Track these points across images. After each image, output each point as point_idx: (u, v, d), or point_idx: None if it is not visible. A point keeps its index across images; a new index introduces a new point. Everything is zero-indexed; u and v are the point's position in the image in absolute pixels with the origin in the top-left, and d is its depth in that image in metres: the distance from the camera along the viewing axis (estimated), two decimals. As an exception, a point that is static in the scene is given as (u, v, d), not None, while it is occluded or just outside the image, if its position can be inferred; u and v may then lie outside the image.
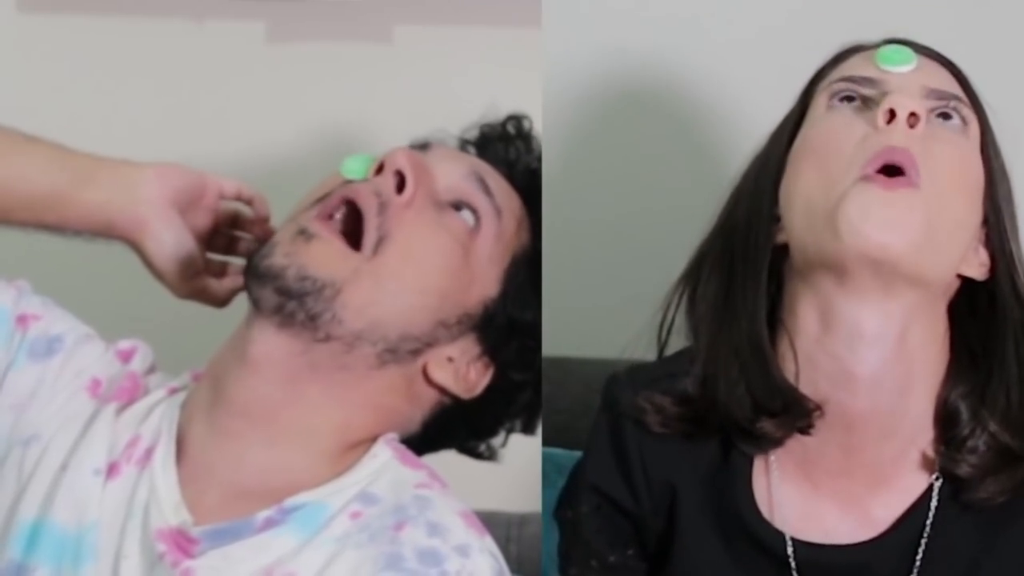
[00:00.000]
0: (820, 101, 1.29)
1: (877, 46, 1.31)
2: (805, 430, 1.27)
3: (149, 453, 1.29)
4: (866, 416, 1.26)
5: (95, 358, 1.35)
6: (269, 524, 1.24)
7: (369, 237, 1.28)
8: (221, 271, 1.41)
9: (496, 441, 1.39)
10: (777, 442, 1.29)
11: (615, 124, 1.86)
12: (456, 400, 1.33)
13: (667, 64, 1.83)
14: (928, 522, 1.27)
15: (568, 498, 1.38)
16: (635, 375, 1.35)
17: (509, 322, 1.33)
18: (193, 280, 1.37)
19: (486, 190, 1.33)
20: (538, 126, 1.45)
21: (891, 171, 1.22)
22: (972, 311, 1.29)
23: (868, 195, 1.21)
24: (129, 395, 1.34)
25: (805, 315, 1.26)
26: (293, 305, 1.25)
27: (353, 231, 1.29)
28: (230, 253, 1.42)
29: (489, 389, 1.33)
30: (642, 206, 1.85)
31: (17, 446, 1.31)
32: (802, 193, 1.26)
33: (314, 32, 1.82)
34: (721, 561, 1.31)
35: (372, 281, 1.27)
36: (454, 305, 1.30)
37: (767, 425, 1.27)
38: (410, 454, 1.30)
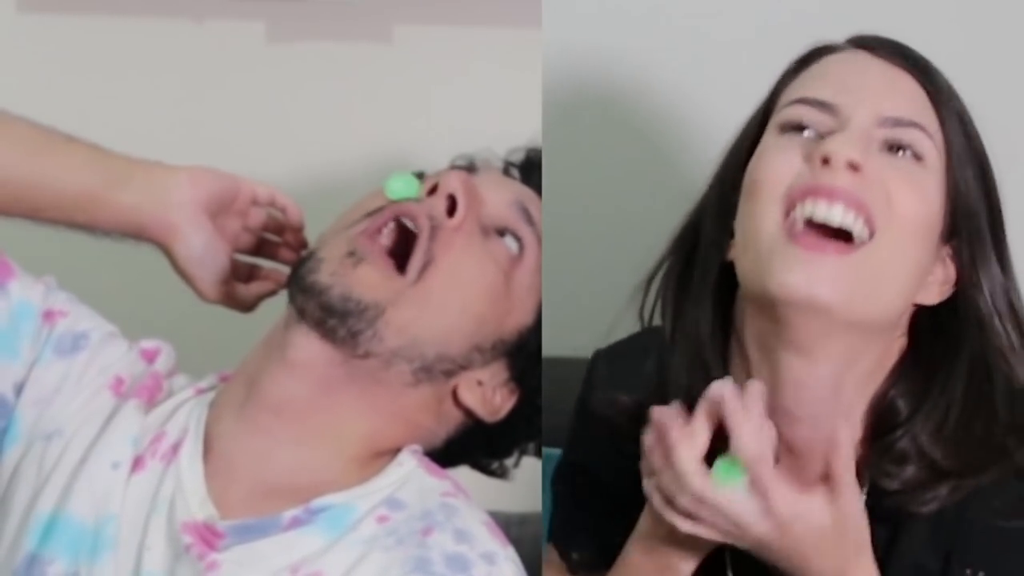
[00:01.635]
0: (773, 126, 1.27)
1: (841, 49, 1.29)
2: None
3: (175, 449, 1.31)
4: (808, 442, 1.23)
5: (119, 356, 1.37)
6: (296, 523, 1.26)
7: (415, 261, 1.29)
8: (249, 275, 1.42)
9: (509, 461, 1.41)
10: None
11: (616, 124, 1.86)
12: (480, 421, 1.34)
13: (668, 64, 1.83)
14: None
15: (558, 471, 1.41)
16: (613, 351, 1.40)
17: (540, 350, 1.36)
18: (221, 284, 1.38)
19: (529, 219, 1.35)
20: (537, 126, 1.45)
21: (827, 225, 1.19)
22: (934, 322, 1.27)
23: (791, 256, 1.19)
24: (149, 394, 1.35)
25: (749, 339, 1.26)
26: (335, 322, 1.28)
27: (399, 249, 1.31)
28: (260, 256, 1.43)
29: (512, 413, 1.35)
30: (642, 206, 1.85)
31: (39, 441, 1.33)
32: (742, 228, 1.25)
33: (314, 32, 1.82)
34: None
35: (415, 304, 1.29)
36: (491, 331, 1.32)
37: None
38: (434, 465, 1.33)
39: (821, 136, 1.23)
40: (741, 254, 1.24)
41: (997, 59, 1.75)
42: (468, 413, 1.34)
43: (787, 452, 1.25)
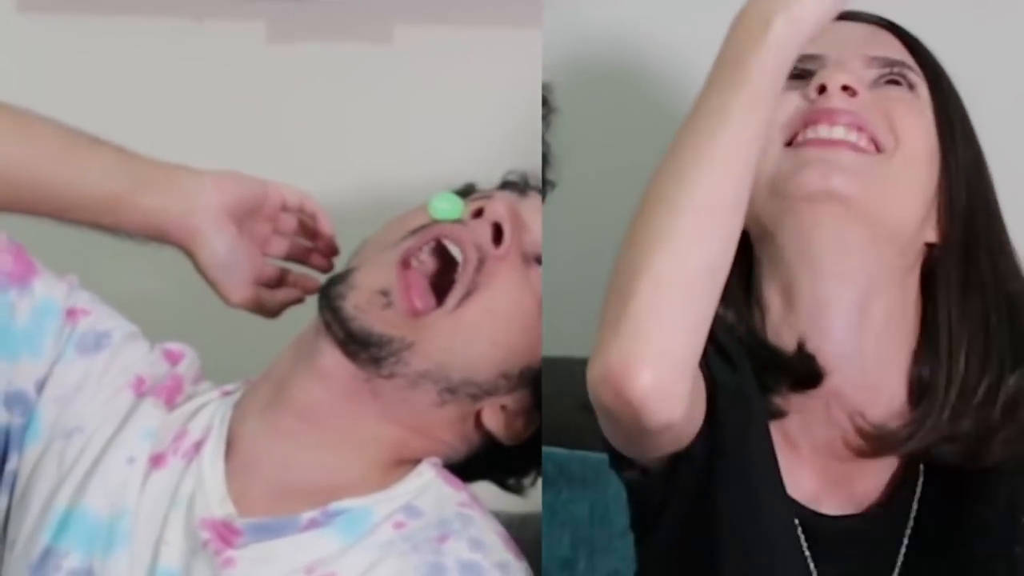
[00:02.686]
0: None
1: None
2: (816, 381, 1.25)
3: (197, 447, 1.32)
4: (838, 393, 1.25)
5: (140, 356, 1.37)
6: (313, 524, 1.27)
7: (457, 292, 1.30)
8: (277, 282, 1.42)
9: (526, 480, 1.42)
10: (780, 414, 1.27)
11: (616, 123, 1.86)
12: (498, 444, 1.35)
13: (669, 63, 1.83)
14: (916, 500, 1.27)
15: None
16: None
17: None
18: (245, 289, 1.38)
19: None
20: (538, 126, 1.45)
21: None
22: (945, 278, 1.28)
23: (804, 156, 1.23)
24: (168, 394, 1.36)
25: (770, 295, 1.27)
26: (356, 347, 1.29)
27: (439, 270, 1.32)
28: (292, 260, 1.43)
29: (532, 437, 1.36)
30: (642, 206, 1.85)
31: (59, 438, 1.33)
32: None
33: (314, 32, 1.82)
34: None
35: (449, 330, 1.30)
36: (519, 359, 1.33)
37: (778, 384, 1.26)
38: (452, 476, 1.34)
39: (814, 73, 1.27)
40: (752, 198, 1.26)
41: (1001, 59, 1.75)
42: (488, 436, 1.35)
43: (822, 406, 1.26)
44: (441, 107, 1.81)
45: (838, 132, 1.23)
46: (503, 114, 1.77)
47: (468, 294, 1.30)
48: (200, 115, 1.82)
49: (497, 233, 1.32)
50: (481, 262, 1.31)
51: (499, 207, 1.33)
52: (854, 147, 1.23)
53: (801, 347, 1.26)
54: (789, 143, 1.25)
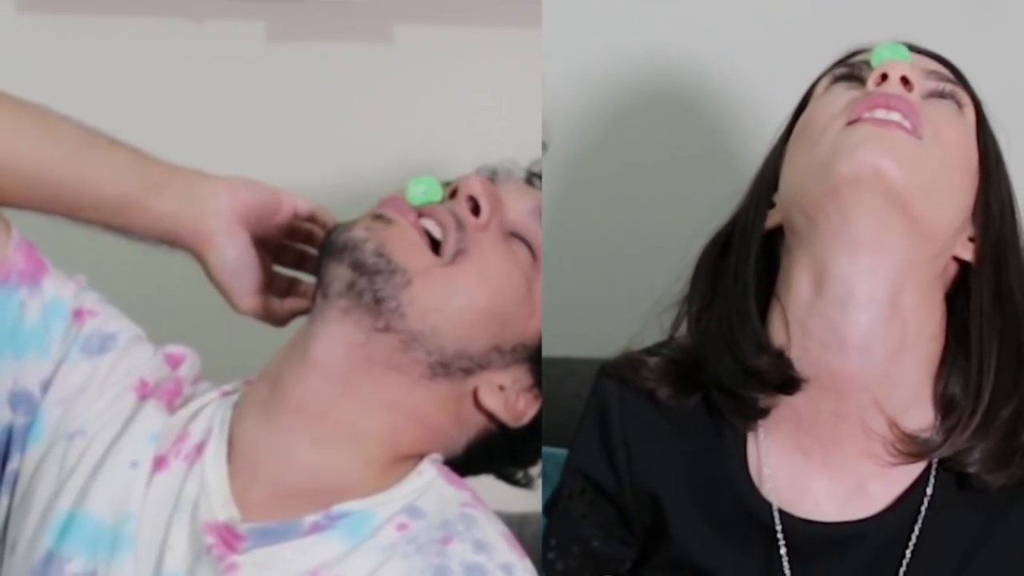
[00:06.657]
0: (819, 87, 1.33)
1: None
2: (790, 390, 1.27)
3: (199, 449, 1.32)
4: (856, 380, 1.26)
5: (144, 360, 1.37)
6: (316, 528, 1.26)
7: (448, 247, 1.30)
8: (286, 290, 1.42)
9: (534, 471, 1.41)
10: (763, 412, 1.29)
11: (615, 124, 1.86)
12: (502, 428, 1.35)
13: (668, 65, 1.83)
14: (925, 503, 1.28)
15: (558, 487, 1.40)
16: (625, 355, 1.39)
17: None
18: (254, 297, 1.38)
19: None
20: (538, 126, 1.45)
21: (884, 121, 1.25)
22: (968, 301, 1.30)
23: (860, 132, 1.24)
24: (169, 397, 1.36)
25: (799, 282, 1.28)
26: (363, 283, 1.27)
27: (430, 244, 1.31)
28: (300, 269, 1.43)
29: (535, 420, 1.35)
30: (642, 206, 1.86)
31: (61, 440, 1.33)
32: (795, 158, 1.29)
33: (314, 32, 1.82)
34: (710, 538, 1.31)
35: (443, 286, 1.29)
36: (512, 333, 1.32)
37: (752, 388, 1.28)
38: (454, 475, 1.33)
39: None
40: (794, 181, 1.28)
41: (1006, 62, 1.75)
42: (490, 418, 1.34)
43: (835, 394, 1.27)
44: (441, 107, 1.81)
45: (894, 117, 1.25)
46: (503, 114, 1.78)
47: (459, 253, 1.30)
48: (200, 115, 1.82)
49: (474, 208, 1.32)
50: (460, 225, 1.31)
51: (472, 183, 1.33)
52: (908, 131, 1.25)
53: (780, 354, 1.27)
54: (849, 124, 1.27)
